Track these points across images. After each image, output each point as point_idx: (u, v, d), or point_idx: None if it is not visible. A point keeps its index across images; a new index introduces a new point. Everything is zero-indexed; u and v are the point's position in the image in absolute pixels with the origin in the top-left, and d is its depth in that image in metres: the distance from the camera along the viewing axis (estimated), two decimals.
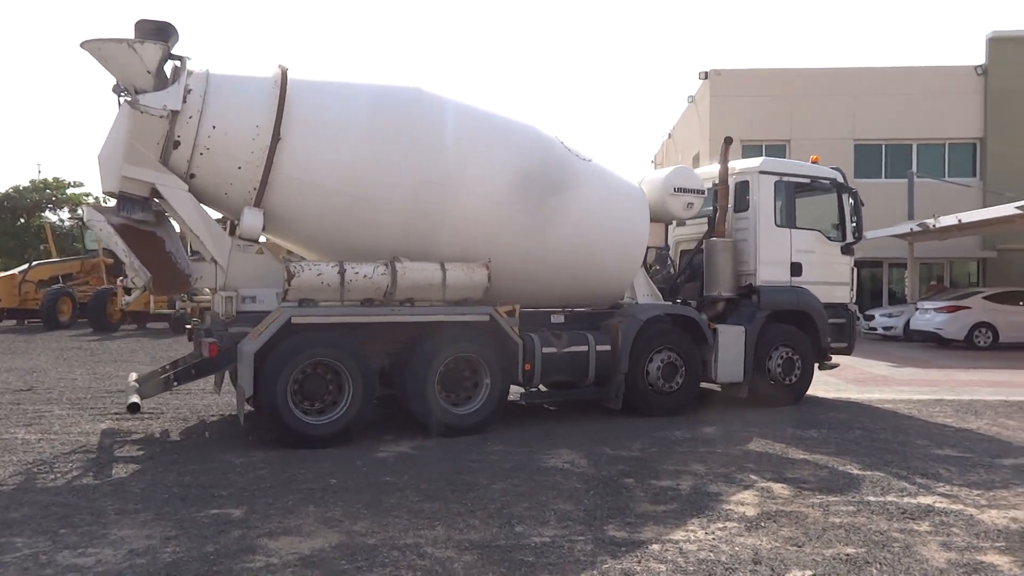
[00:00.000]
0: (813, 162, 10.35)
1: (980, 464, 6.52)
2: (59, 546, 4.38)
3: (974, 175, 24.40)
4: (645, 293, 9.45)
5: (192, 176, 7.26)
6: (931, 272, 25.33)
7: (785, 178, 9.73)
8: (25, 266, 24.10)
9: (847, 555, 4.28)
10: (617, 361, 8.46)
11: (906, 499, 5.40)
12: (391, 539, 4.58)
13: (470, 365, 7.80)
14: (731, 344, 9.13)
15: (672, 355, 8.78)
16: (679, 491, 5.62)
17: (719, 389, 9.76)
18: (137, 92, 7.13)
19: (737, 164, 9.89)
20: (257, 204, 7.36)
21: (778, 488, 5.70)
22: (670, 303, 9.36)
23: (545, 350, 8.13)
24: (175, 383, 7.37)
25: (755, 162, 9.84)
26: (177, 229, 7.88)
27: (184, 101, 7.06)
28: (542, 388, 8.85)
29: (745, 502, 5.34)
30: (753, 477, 6.02)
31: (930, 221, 17.68)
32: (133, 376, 8.24)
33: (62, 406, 9.02)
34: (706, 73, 25.33)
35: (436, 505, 5.27)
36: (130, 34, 7.03)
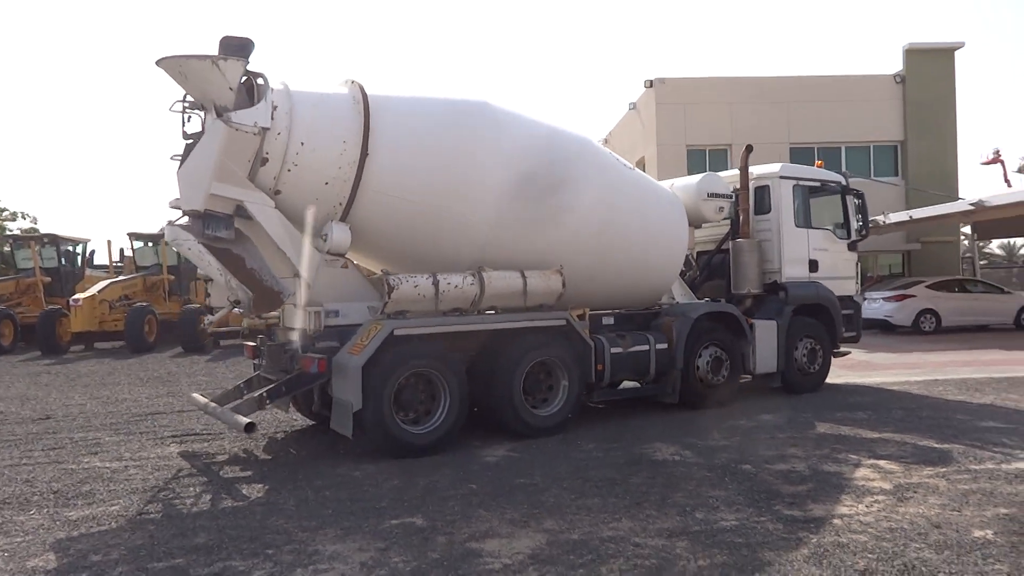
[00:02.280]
0: (818, 167, 11.17)
1: None
2: (285, 566, 4.41)
3: (896, 175, 26.38)
4: (681, 293, 10.02)
5: (277, 192, 7.23)
6: (863, 264, 27.18)
7: (801, 182, 10.48)
8: None
9: (1007, 514, 4.86)
10: (673, 358, 8.93)
11: (1003, 466, 6.09)
12: (590, 534, 4.84)
13: (545, 368, 8.07)
14: (766, 337, 9.77)
15: (718, 350, 9.33)
16: (801, 473, 6.11)
17: (750, 379, 10.38)
18: (217, 109, 7.05)
19: (755, 170, 10.55)
20: (343, 219, 7.41)
21: (885, 464, 6.28)
22: (714, 301, 9.90)
23: (613, 351, 8.50)
24: (268, 401, 7.29)
25: (774, 168, 10.53)
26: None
27: (272, 118, 7.04)
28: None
29: (870, 478, 5.88)
30: (852, 456, 6.59)
31: (880, 218, 19.13)
32: (201, 398, 8.08)
33: (105, 432, 8.68)
34: (651, 81, 26.31)
35: (595, 500, 5.54)
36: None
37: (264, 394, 7.19)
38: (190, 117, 7.61)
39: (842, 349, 11.05)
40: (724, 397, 9.35)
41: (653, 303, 9.72)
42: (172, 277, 22.81)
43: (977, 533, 4.59)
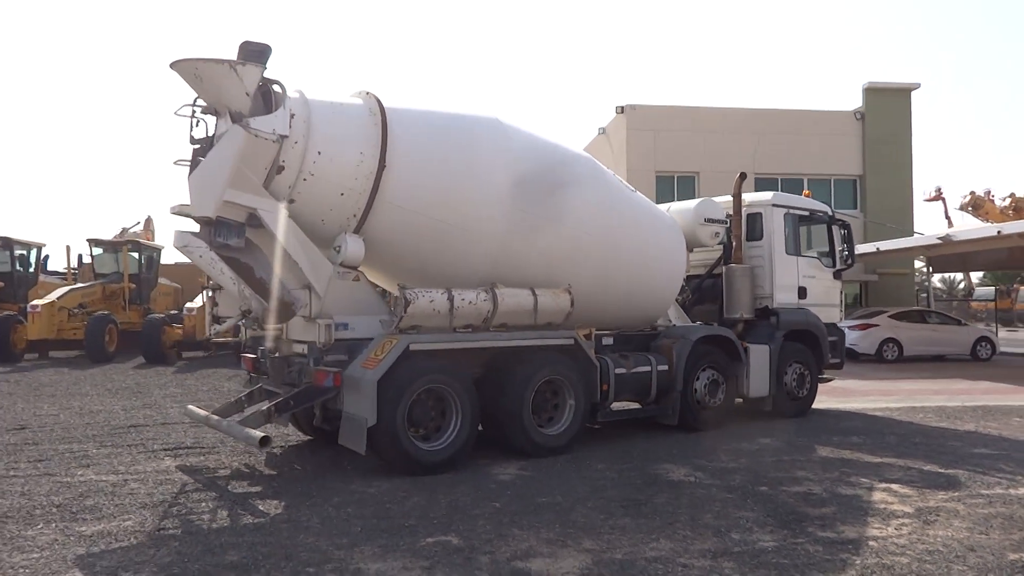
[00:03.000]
0: (806, 196, 11.48)
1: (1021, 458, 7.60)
2: None
3: (855, 208, 27.25)
4: (676, 316, 10.15)
5: (291, 202, 7.09)
6: None
7: (792, 211, 10.75)
8: None
9: None
10: (673, 379, 9.00)
11: (1011, 491, 6.29)
12: (633, 554, 4.82)
13: (552, 387, 8.04)
14: (759, 362, 9.93)
15: (715, 373, 9.44)
16: (819, 496, 6.20)
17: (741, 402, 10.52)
18: (232, 115, 6.90)
19: (747, 197, 10.79)
20: (357, 231, 7.31)
21: (898, 488, 6.42)
22: (709, 325, 10.03)
23: (617, 371, 8.53)
24: (276, 415, 7.08)
25: (766, 196, 10.78)
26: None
27: (290, 126, 6.92)
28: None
29: (888, 501, 6.00)
30: (863, 480, 6.72)
31: None
32: (200, 411, 7.83)
33: (90, 444, 8.31)
34: (622, 108, 26.75)
35: (625, 520, 5.53)
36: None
37: (272, 408, 6.99)
38: (199, 122, 7.47)
39: (825, 375, 11.31)
40: (720, 420, 9.45)
41: (650, 324, 9.81)
42: (133, 286, 22.10)
43: (1012, 556, 4.72)
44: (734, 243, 10.47)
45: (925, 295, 28.33)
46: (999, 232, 15.97)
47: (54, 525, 5.37)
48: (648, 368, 8.83)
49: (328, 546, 4.93)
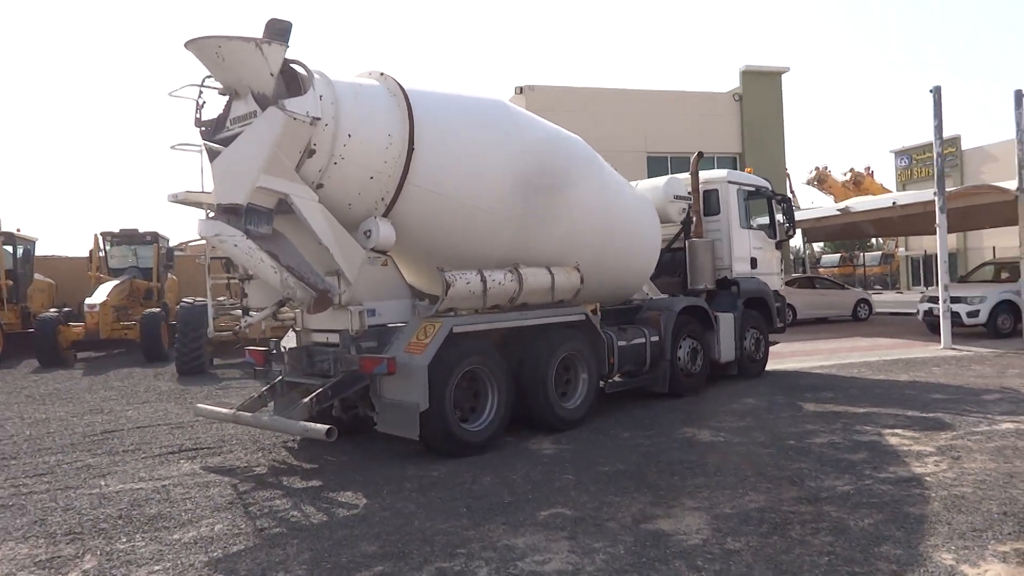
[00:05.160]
0: (748, 172, 12.34)
1: (977, 400, 8.73)
2: (504, 560, 4.36)
3: None
4: (648, 289, 10.68)
5: (320, 186, 6.89)
6: None
7: (743, 187, 11.54)
8: None
9: None
10: (663, 349, 9.53)
11: (995, 427, 7.26)
12: (738, 506, 5.22)
13: (564, 363, 8.32)
14: (727, 329, 10.68)
15: (694, 341, 10.08)
16: (844, 444, 6.89)
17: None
18: (256, 96, 6.61)
19: (703, 175, 11.45)
20: (386, 215, 7.21)
21: (903, 432, 7.25)
22: (690, 296, 10.60)
23: (619, 343, 8.93)
24: (317, 406, 6.86)
25: (721, 173, 11.52)
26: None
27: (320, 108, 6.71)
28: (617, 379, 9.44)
29: (906, 444, 6.78)
30: (867, 428, 7.51)
31: None
32: (222, 409, 7.45)
33: (80, 454, 7.68)
34: (521, 88, 27.12)
35: (699, 479, 5.93)
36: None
37: (313, 400, 6.81)
38: (205, 103, 7.10)
39: (771, 339, 12.29)
40: (698, 385, 10.11)
41: (629, 298, 10.28)
42: (10, 282, 20.03)
43: None
44: (693, 218, 11.12)
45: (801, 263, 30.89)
46: (894, 203, 17.87)
47: (139, 536, 5.05)
48: (643, 340, 9.30)
49: (454, 527, 4.98)
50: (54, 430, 9.15)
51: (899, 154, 47.53)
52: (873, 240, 53.16)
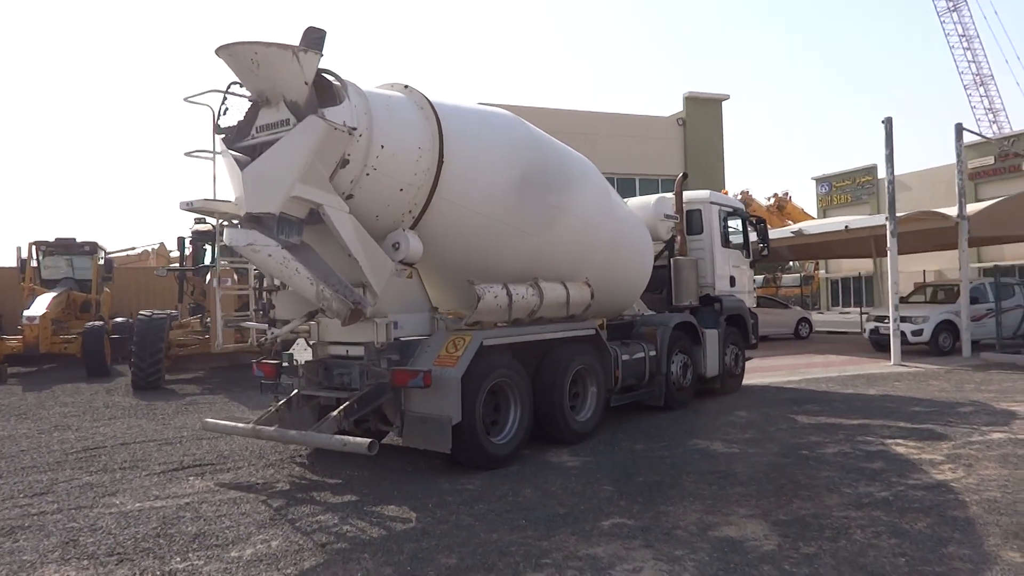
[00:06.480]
0: (724, 194, 12.80)
1: (954, 412, 9.26)
2: (595, 570, 4.38)
3: None
4: (639, 306, 10.92)
5: (349, 197, 6.79)
6: None
7: (723, 207, 11.96)
8: None
9: None
10: (659, 363, 9.74)
11: (988, 436, 7.74)
12: (791, 512, 5.40)
13: (574, 376, 8.38)
14: (712, 344, 11.00)
15: (684, 356, 10.34)
16: (856, 454, 7.21)
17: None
18: (289, 104, 6.49)
19: (687, 195, 11.80)
20: (414, 227, 7.16)
21: (905, 442, 7.63)
22: (682, 313, 10.84)
23: (623, 357, 9.08)
24: (345, 419, 6.69)
25: (703, 194, 11.90)
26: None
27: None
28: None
29: (914, 453, 7.15)
30: (869, 439, 7.87)
31: None
32: (237, 423, 7.17)
33: (73, 471, 7.26)
34: None
35: (738, 488, 6.10)
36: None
37: (342, 413, 6.66)
38: (227, 109, 6.92)
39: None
40: (688, 399, 10.37)
41: (622, 314, 10.47)
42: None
43: None
44: (678, 237, 11.45)
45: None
46: (846, 227, 18.79)
47: (193, 555, 4.83)
48: (643, 354, 9.49)
49: (524, 539, 4.97)
50: (26, 448, 8.59)
51: (820, 181, 49.95)
52: (791, 263, 55.69)
